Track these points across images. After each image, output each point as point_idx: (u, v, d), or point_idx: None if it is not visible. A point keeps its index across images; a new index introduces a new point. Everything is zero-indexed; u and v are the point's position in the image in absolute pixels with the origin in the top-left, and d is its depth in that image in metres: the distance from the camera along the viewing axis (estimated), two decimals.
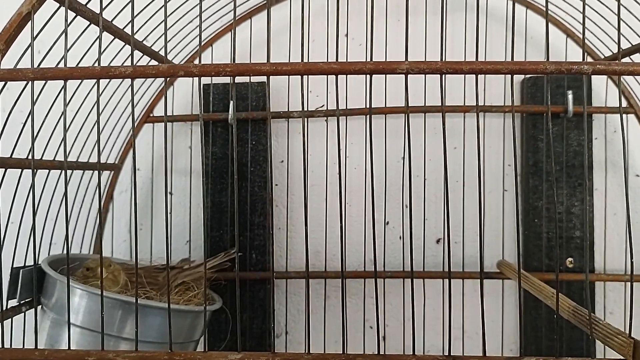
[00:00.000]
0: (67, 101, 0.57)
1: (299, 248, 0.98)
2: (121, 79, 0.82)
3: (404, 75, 0.51)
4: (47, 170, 0.73)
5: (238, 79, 0.93)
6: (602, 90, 0.91)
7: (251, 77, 0.93)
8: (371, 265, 0.95)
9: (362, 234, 0.94)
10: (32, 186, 0.56)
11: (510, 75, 0.50)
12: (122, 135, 0.91)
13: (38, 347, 0.53)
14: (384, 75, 0.92)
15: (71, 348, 0.53)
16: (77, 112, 0.77)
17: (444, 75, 0.49)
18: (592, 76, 0.91)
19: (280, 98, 0.96)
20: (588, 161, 0.91)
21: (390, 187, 0.94)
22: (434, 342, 0.94)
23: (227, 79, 0.94)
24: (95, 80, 0.53)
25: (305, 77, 0.50)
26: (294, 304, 0.97)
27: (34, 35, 0.53)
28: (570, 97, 0.88)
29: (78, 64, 0.70)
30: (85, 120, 0.79)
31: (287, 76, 0.94)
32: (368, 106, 0.53)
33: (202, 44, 0.95)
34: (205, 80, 0.94)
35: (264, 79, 0.93)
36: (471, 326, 0.94)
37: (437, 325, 0.94)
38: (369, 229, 0.94)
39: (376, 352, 0.50)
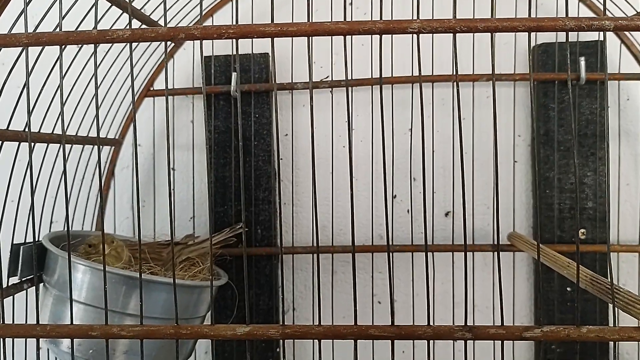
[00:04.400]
0: (65, 71, 0.55)
1: (305, 223, 0.96)
2: (120, 48, 0.81)
3: (411, 42, 0.49)
4: (46, 145, 0.72)
5: (240, 51, 0.91)
6: (616, 56, 0.89)
7: (253, 47, 0.90)
8: (379, 240, 0.93)
9: (370, 208, 0.93)
10: (30, 160, 0.54)
11: (527, 35, 0.47)
12: (122, 110, 0.89)
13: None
14: (391, 45, 0.90)
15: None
16: (74, 84, 0.75)
17: (456, 36, 0.47)
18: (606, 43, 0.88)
19: (284, 70, 0.94)
20: (601, 130, 0.88)
21: (397, 159, 0.92)
22: (443, 316, 0.93)
23: (229, 50, 0.92)
24: (93, 47, 0.50)
25: (310, 45, 0.47)
26: (300, 279, 0.96)
27: (27, 1, 0.51)
28: (582, 63, 0.86)
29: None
30: (84, 92, 0.76)
31: (290, 46, 0.93)
32: (377, 72, 0.50)
33: (203, 14, 0.92)
34: (206, 52, 0.91)
35: (267, 49, 0.90)
36: (482, 300, 0.93)
37: (447, 299, 0.93)
38: (376, 202, 0.92)
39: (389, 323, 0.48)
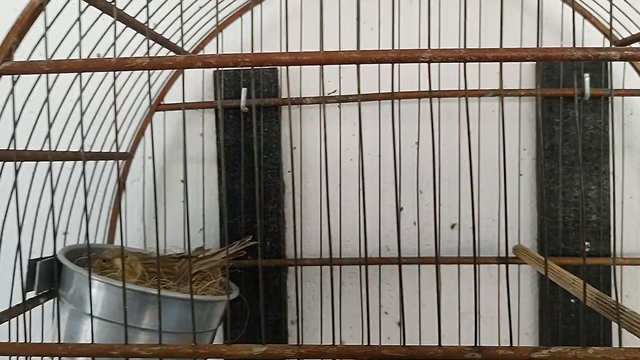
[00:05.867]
0: (81, 92, 0.56)
1: (313, 235, 0.97)
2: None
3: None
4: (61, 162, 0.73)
5: None
6: (620, 72, 0.90)
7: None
8: (386, 252, 0.94)
9: (377, 220, 0.94)
10: (50, 178, 0.55)
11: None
12: (133, 124, 0.91)
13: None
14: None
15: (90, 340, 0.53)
16: (90, 102, 0.76)
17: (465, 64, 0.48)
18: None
19: (293, 84, 0.94)
20: (604, 145, 0.89)
21: (404, 172, 0.94)
22: (449, 327, 0.94)
23: None
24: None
25: (322, 73, 0.49)
26: (309, 290, 0.97)
27: (47, 27, 0.52)
28: (587, 80, 0.87)
29: (90, 54, 0.69)
30: (98, 110, 0.78)
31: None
32: (385, 86, 0.52)
33: (212, 30, 0.94)
34: None
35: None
36: (486, 311, 0.94)
37: (452, 311, 0.94)
38: (383, 214, 0.94)
39: (399, 343, 0.49)
